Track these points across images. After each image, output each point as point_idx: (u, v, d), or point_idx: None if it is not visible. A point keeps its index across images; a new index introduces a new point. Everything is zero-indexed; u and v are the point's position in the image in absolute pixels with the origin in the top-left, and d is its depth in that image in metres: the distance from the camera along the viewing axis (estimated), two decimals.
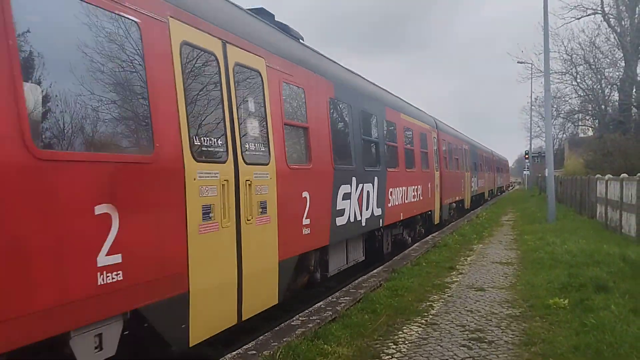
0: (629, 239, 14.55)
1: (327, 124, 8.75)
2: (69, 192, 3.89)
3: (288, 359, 5.88)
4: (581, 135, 55.73)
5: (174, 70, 5.13)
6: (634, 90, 35.71)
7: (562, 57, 42.38)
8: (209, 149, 5.56)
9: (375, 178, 11.17)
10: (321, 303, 8.34)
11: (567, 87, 44.11)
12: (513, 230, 19.71)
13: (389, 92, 14.11)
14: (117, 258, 4.25)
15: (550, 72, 30.48)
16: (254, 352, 6.06)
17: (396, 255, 13.32)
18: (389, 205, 12.14)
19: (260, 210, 6.43)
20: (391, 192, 12.33)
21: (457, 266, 12.07)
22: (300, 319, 7.44)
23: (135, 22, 4.70)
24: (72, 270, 3.90)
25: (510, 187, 75.89)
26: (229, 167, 5.83)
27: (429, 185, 16.54)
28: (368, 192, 10.69)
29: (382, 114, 12.06)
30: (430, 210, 17.10)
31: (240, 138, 6.12)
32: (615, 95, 40.49)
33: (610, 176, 18.78)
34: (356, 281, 10.12)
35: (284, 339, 6.46)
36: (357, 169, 10.10)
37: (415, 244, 15.12)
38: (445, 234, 17.57)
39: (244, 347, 6.28)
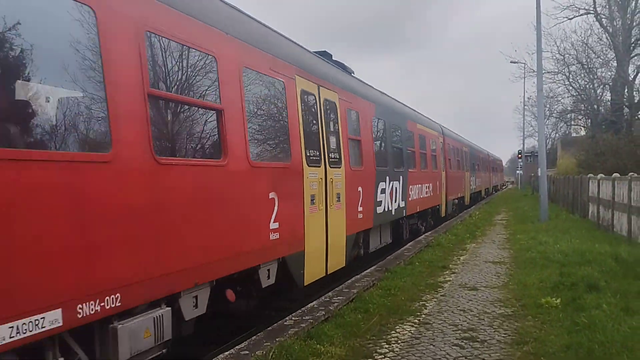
0: (621, 238, 14.64)
1: (371, 136, 11.62)
2: (261, 185, 6.73)
3: (281, 359, 5.89)
4: (574, 134, 55.98)
5: (298, 108, 7.97)
6: (626, 90, 35.89)
7: (554, 57, 42.49)
8: (313, 157, 8.35)
9: (401, 177, 13.97)
10: (314, 303, 8.35)
11: (559, 87, 44.14)
12: (506, 230, 19.78)
13: (409, 107, 17.45)
14: (276, 225, 7.04)
15: (543, 71, 30.53)
16: (247, 352, 6.06)
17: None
18: (409, 199, 14.99)
19: (337, 199, 9.25)
20: (411, 188, 15.18)
21: (450, 265, 12.11)
22: (293, 318, 7.45)
23: (282, 81, 7.58)
24: (262, 230, 6.75)
25: (504, 187, 76.37)
26: (322, 169, 8.67)
27: (437, 184, 19.47)
28: (396, 188, 13.46)
29: (404, 125, 15.07)
30: (438, 205, 19.96)
31: (327, 149, 8.94)
32: (608, 95, 40.69)
33: (603, 176, 18.88)
34: (349, 281, 10.14)
35: (277, 339, 6.47)
36: (390, 169, 12.92)
37: (409, 244, 15.17)
38: (439, 233, 17.62)
39: (237, 347, 6.28)
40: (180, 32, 5.35)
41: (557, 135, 63.37)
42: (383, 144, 12.77)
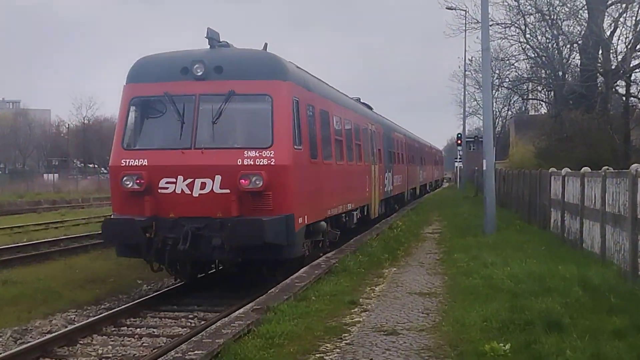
0: (592, 256, 15.36)
1: (382, 145, 29.98)
2: (363, 172, 25.30)
3: None
4: (532, 112, 58.78)
5: (370, 136, 27.60)
6: (600, 52, 37.65)
7: (505, 4, 43.79)
8: (371, 159, 27.04)
9: (391, 170, 32.18)
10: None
11: (513, 45, 45.63)
12: (439, 247, 20.51)
13: (390, 120, 37.24)
14: (367, 189, 25.85)
15: (490, 23, 31.63)
16: None
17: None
18: (393, 185, 32.96)
19: (378, 180, 28.37)
20: (394, 178, 33.33)
21: (361, 299, 12.34)
22: None
23: (366, 127, 27.68)
24: (365, 191, 25.83)
25: (440, 184, 79.46)
26: (374, 164, 27.39)
27: (404, 176, 37.93)
28: (388, 176, 31.33)
29: (390, 134, 33.88)
30: (403, 192, 38.99)
31: (373, 155, 27.66)
32: (577, 58, 42.79)
33: (569, 170, 19.65)
34: (214, 325, 10.06)
35: None
36: (387, 165, 31.24)
37: (302, 270, 15.27)
38: (345, 253, 17.88)
39: None
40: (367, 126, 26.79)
41: (509, 113, 66.40)
42: (386, 149, 30.66)
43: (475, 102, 65.20)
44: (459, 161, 67.64)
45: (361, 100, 29.36)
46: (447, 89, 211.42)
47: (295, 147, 15.00)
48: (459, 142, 61.95)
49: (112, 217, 15.58)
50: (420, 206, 40.30)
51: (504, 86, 50.94)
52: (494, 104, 49.72)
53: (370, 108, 30.88)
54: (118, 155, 15.06)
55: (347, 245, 20.01)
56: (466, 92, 62.18)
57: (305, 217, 15.61)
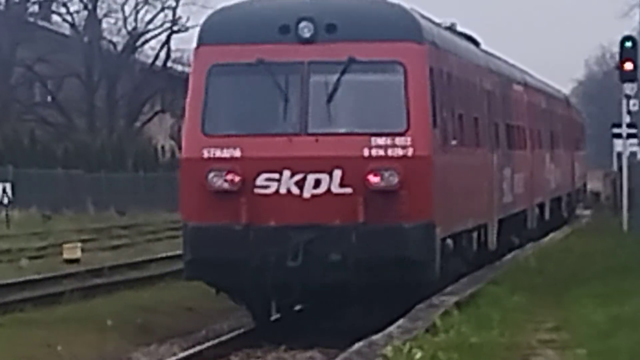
0: None
1: (500, 115, 36.78)
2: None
3: None
4: None
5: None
6: None
7: None
8: (493, 143, 34.30)
9: (510, 162, 38.02)
10: None
11: None
12: None
13: (503, 59, 40.70)
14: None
15: None
16: None
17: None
18: (512, 194, 37.11)
19: (496, 182, 36.14)
20: (514, 178, 38.06)
21: None
22: None
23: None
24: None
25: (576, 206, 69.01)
26: (492, 152, 33.03)
27: (525, 176, 40.09)
28: (506, 175, 35.39)
29: (507, 92, 37.52)
30: (525, 211, 40.95)
31: (493, 133, 37.09)
32: None
33: None
34: None
35: None
36: (505, 153, 36.44)
37: None
38: None
39: None
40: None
41: None
42: (503, 121, 33.57)
43: None
44: (628, 135, 50.93)
45: (457, 29, 29.89)
46: None
47: (433, 131, 19.75)
48: (626, 63, 43.80)
49: (191, 224, 19.63)
50: (491, 295, 26.11)
51: None
52: None
53: (477, 44, 32.44)
54: (197, 143, 19.43)
55: None
56: None
57: (441, 228, 20.13)
